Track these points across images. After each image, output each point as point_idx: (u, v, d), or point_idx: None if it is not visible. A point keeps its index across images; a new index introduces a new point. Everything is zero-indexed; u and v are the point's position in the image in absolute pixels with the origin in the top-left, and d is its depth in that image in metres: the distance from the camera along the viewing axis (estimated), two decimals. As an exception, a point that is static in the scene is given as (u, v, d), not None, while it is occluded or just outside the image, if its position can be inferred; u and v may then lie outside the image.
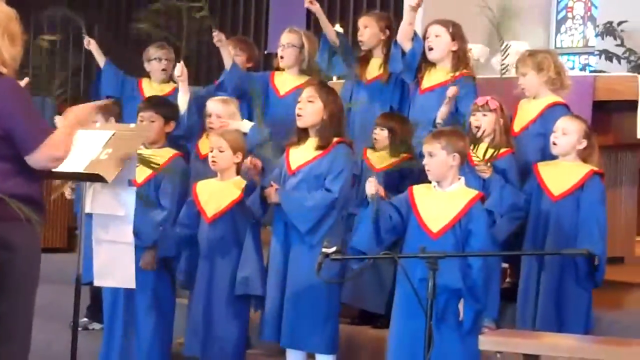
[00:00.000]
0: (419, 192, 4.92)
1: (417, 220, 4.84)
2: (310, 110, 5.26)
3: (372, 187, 4.91)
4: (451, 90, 5.70)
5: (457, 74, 5.84)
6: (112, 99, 6.52)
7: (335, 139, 5.26)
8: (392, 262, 4.88)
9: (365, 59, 6.31)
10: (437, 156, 4.84)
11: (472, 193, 4.89)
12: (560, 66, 5.72)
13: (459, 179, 4.91)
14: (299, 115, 5.29)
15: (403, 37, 6.00)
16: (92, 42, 7.04)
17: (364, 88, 6.26)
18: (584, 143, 5.32)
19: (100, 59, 7.03)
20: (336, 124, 5.30)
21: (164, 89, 6.73)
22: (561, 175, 5.32)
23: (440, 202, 4.84)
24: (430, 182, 4.93)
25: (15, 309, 3.90)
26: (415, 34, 6.01)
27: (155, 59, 6.82)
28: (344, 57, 6.30)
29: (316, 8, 6.26)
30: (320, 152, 5.25)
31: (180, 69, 6.28)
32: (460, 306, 4.72)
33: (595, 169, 5.32)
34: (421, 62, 5.98)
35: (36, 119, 3.92)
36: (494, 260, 5.36)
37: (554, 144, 5.34)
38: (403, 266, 4.23)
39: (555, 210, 5.30)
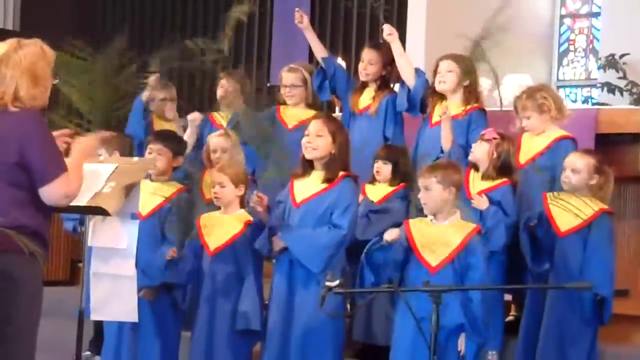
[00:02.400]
0: (416, 227, 4.90)
1: (416, 255, 4.82)
2: (320, 144, 5.21)
3: (392, 234, 4.88)
4: (443, 109, 5.71)
5: (469, 107, 5.85)
6: (116, 134, 6.55)
7: (341, 173, 5.25)
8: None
9: (361, 90, 6.32)
10: (432, 190, 4.82)
11: (470, 226, 4.87)
12: (558, 99, 5.72)
13: (455, 211, 4.89)
14: (307, 148, 5.28)
15: (404, 74, 6.01)
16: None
17: (358, 119, 6.27)
18: (596, 178, 5.24)
19: None
20: (343, 157, 5.30)
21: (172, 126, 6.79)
22: (570, 211, 5.24)
23: (437, 236, 4.82)
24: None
25: (17, 341, 3.88)
26: (417, 69, 6.03)
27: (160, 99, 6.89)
28: (332, 84, 6.33)
29: (305, 25, 6.28)
30: (325, 185, 5.23)
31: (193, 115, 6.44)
32: (460, 340, 4.70)
33: (605, 207, 5.23)
34: (428, 96, 6.00)
35: (54, 153, 3.93)
36: (496, 292, 5.34)
37: (565, 182, 5.26)
38: (406, 300, 4.21)
39: (560, 245, 5.24)
